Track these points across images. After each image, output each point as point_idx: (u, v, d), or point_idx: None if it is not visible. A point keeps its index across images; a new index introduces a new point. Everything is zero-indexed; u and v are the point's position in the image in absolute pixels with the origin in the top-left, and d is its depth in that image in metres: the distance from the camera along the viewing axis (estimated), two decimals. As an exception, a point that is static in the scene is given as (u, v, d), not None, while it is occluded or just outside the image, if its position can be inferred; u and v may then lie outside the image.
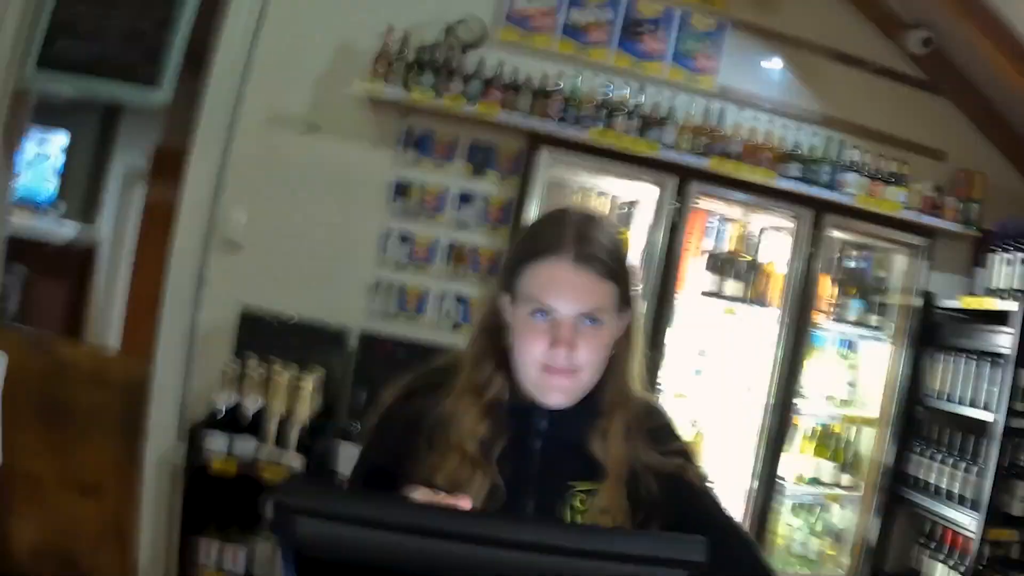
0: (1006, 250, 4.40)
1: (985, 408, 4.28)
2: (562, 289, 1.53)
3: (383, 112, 4.07)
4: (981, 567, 4.23)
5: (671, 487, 1.63)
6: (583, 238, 1.56)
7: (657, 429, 1.69)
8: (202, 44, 4.01)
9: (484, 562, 1.07)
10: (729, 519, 1.72)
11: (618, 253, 1.61)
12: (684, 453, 1.69)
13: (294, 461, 3.47)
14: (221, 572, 3.48)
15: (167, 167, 4.25)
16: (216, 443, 3.43)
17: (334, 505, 1.07)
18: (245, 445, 3.46)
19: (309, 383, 3.58)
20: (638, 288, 1.69)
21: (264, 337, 3.88)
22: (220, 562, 3.48)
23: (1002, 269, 4.40)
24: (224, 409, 3.49)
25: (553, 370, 1.55)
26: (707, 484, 1.70)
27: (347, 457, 3.49)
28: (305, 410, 3.54)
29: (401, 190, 4.13)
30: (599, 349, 1.57)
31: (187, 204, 3.97)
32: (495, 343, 1.66)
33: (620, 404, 1.65)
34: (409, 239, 4.14)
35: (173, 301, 3.95)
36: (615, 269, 1.58)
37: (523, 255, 1.59)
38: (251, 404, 3.52)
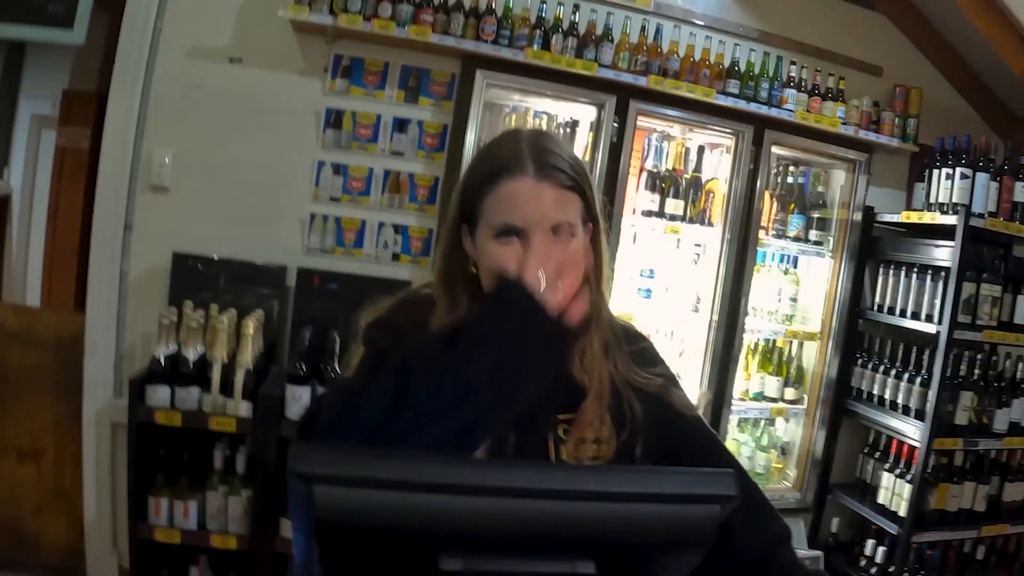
0: (946, 165, 4.42)
1: (928, 320, 4.37)
2: (527, 204, 1.48)
3: (310, 39, 3.90)
4: (927, 474, 4.35)
5: (655, 408, 1.62)
6: (540, 152, 1.52)
7: (639, 352, 1.68)
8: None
9: (513, 514, 1.04)
10: (717, 444, 1.73)
11: (578, 165, 1.56)
12: (667, 376, 1.68)
13: (241, 408, 3.38)
14: (173, 528, 3.39)
15: (78, 110, 4.05)
16: (158, 396, 3.32)
17: (356, 468, 1.02)
18: (189, 395, 3.35)
19: (250, 326, 3.46)
20: (599, 200, 1.62)
21: (198, 281, 3.76)
22: (172, 518, 3.39)
23: (942, 183, 4.43)
24: (163, 359, 3.37)
25: None
26: (694, 410, 1.69)
27: (295, 399, 3.40)
28: (248, 354, 3.44)
29: (332, 120, 3.98)
30: (574, 259, 1.51)
31: (108, 147, 3.77)
32: (464, 278, 1.61)
33: (595, 320, 1.61)
34: (343, 170, 4.01)
35: (100, 250, 3.77)
36: (577, 180, 1.54)
37: (480, 179, 1.54)
38: (191, 352, 3.40)
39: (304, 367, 3.49)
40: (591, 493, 1.08)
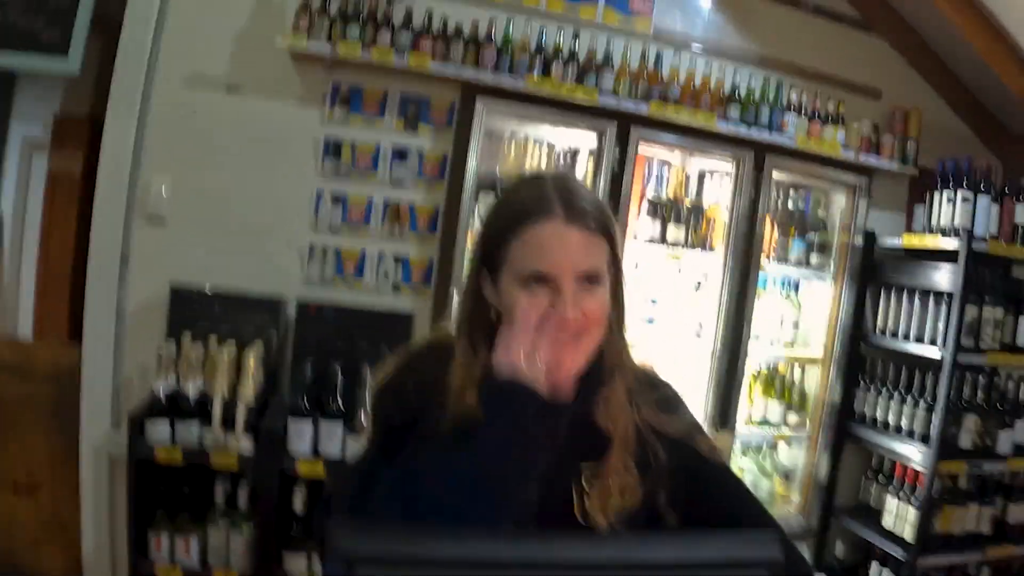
0: (947, 188, 4.42)
1: (931, 343, 4.35)
2: (557, 250, 1.45)
3: (308, 68, 3.86)
4: (933, 498, 4.32)
5: (681, 457, 1.58)
6: (568, 195, 1.48)
7: (664, 400, 1.64)
8: (109, 5, 3.73)
9: None
10: (747, 495, 1.68)
11: (604, 208, 1.53)
12: (692, 423, 1.65)
13: (243, 443, 3.33)
14: (175, 564, 3.33)
15: (70, 134, 4.01)
16: (158, 431, 3.27)
17: (402, 546, 0.97)
18: (189, 431, 3.30)
19: (251, 359, 3.43)
20: (622, 244, 1.59)
21: (196, 313, 3.71)
22: (173, 554, 3.33)
23: (943, 207, 4.43)
24: (163, 394, 3.32)
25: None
26: (719, 455, 1.65)
27: (297, 434, 3.36)
28: (249, 388, 3.39)
29: (331, 149, 3.95)
30: (601, 310, 1.49)
31: (104, 177, 3.71)
32: (484, 328, 1.56)
33: (619, 367, 1.58)
34: (342, 200, 3.97)
35: (96, 281, 3.71)
36: (605, 224, 1.50)
37: (506, 223, 1.49)
38: (191, 386, 3.34)
39: (306, 401, 3.44)
40: (639, 563, 1.05)
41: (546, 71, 4.00)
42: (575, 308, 1.44)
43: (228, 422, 3.34)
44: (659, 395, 1.65)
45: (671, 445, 1.58)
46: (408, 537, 1.00)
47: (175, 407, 3.32)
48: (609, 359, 1.57)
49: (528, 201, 1.49)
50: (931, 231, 4.50)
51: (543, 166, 4.24)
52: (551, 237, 1.45)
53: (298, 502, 3.43)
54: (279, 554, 3.39)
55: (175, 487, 3.48)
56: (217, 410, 3.33)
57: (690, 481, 1.58)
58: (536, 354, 1.43)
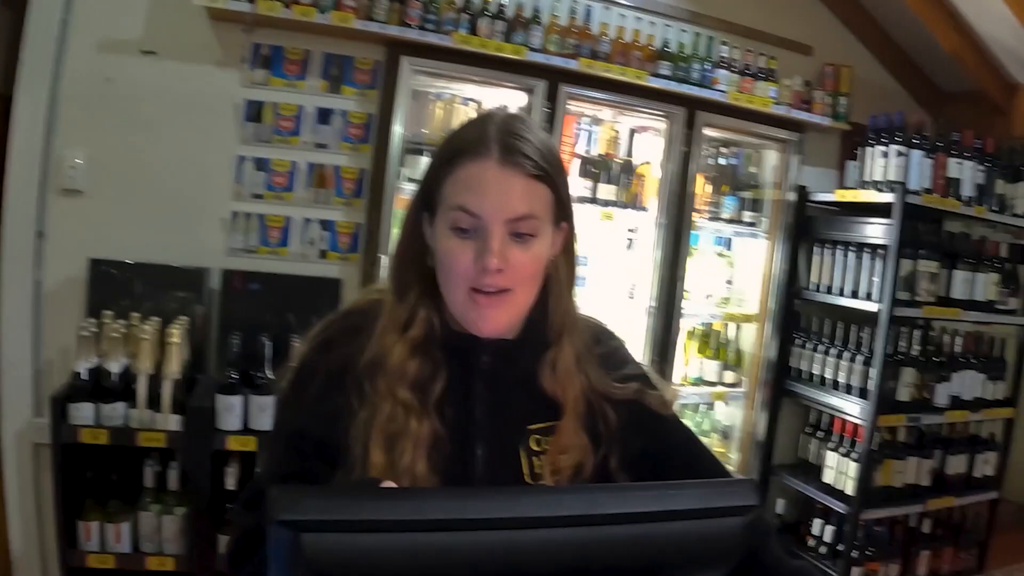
0: (880, 143, 4.44)
1: (867, 298, 4.38)
2: (486, 192, 1.36)
3: (227, 28, 3.68)
4: (872, 451, 4.39)
5: (631, 416, 1.53)
6: (509, 136, 1.38)
7: (608, 354, 1.58)
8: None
9: (527, 546, 0.97)
10: (699, 447, 1.64)
11: (551, 153, 1.43)
12: (641, 376, 1.58)
13: (171, 421, 3.21)
14: (106, 553, 3.21)
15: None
16: (82, 413, 3.12)
17: (350, 511, 0.93)
18: (114, 411, 3.15)
19: (175, 334, 3.29)
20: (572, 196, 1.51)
21: (118, 289, 3.54)
22: (104, 542, 3.20)
23: (876, 161, 4.45)
24: (85, 374, 3.18)
25: (481, 294, 1.38)
26: (669, 408, 1.60)
27: (227, 409, 3.25)
28: (174, 364, 3.26)
29: (252, 113, 3.79)
30: (533, 265, 1.41)
31: (16, 150, 3.51)
32: (418, 270, 1.48)
33: (567, 330, 1.51)
34: (265, 165, 3.83)
35: (11, 259, 3.52)
36: (548, 170, 1.40)
37: (441, 161, 1.41)
38: (114, 365, 3.20)
39: (234, 375, 3.33)
40: (608, 516, 1.01)
41: (473, 28, 3.88)
42: (500, 258, 1.35)
43: (154, 400, 3.21)
44: (605, 350, 1.58)
45: (621, 406, 1.53)
46: (353, 500, 0.97)
47: (99, 388, 3.17)
48: (556, 320, 1.51)
49: (466, 139, 1.40)
50: (864, 186, 4.53)
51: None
52: (481, 177, 1.36)
53: (231, 480, 3.32)
54: (214, 537, 3.29)
55: (103, 473, 3.34)
56: (142, 388, 3.20)
57: (640, 439, 1.53)
58: (466, 303, 1.39)
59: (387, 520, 0.92)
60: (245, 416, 3.30)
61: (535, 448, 1.48)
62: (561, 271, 1.50)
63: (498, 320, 1.42)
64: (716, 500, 1.09)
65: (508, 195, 1.37)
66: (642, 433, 1.54)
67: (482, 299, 1.39)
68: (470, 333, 1.46)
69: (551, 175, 1.41)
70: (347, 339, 1.49)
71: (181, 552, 3.29)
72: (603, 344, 1.60)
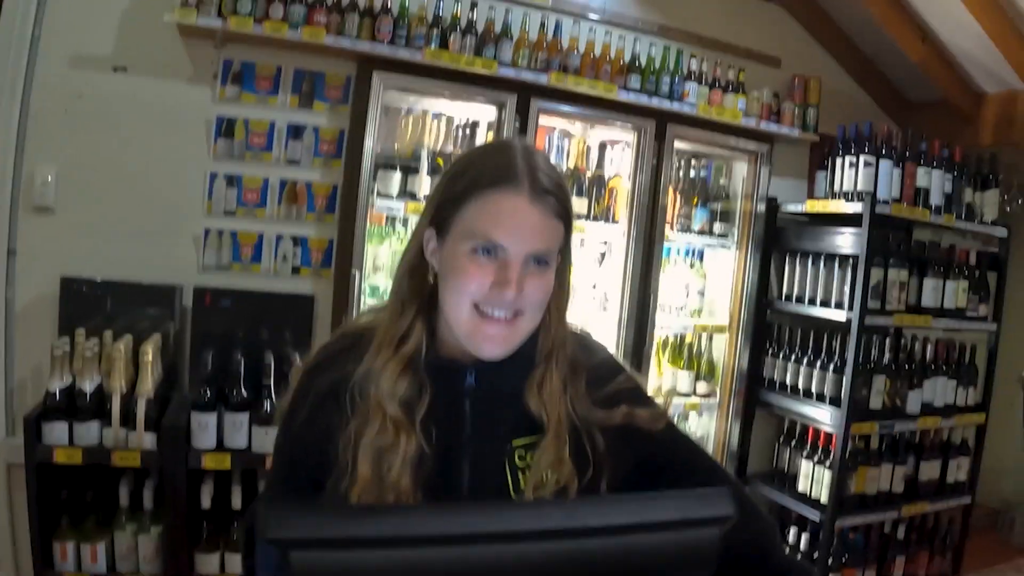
0: (849, 153, 4.52)
1: (837, 307, 4.45)
2: (517, 226, 1.41)
3: (198, 44, 3.70)
4: (846, 459, 4.45)
5: (620, 437, 1.54)
6: (536, 171, 1.44)
7: (595, 368, 1.60)
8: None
9: (508, 561, 0.98)
10: (694, 457, 1.66)
11: (566, 190, 1.49)
12: (629, 393, 1.60)
13: (145, 440, 3.21)
14: (82, 573, 3.19)
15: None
16: (56, 433, 3.11)
17: (338, 527, 0.95)
18: (88, 431, 3.14)
19: (148, 352, 3.30)
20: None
21: (90, 307, 3.54)
22: (79, 563, 3.19)
23: (845, 172, 4.53)
24: (58, 394, 3.16)
25: (491, 318, 1.42)
26: (662, 422, 1.60)
27: (201, 427, 3.25)
28: (148, 383, 3.26)
29: (224, 129, 3.81)
30: (543, 293, 1.46)
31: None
32: (419, 286, 1.53)
33: (556, 351, 1.54)
34: (237, 182, 3.84)
35: (-18, 278, 3.53)
36: (566, 207, 1.47)
37: (468, 185, 1.44)
38: (87, 384, 3.19)
39: (208, 392, 3.33)
40: (586, 529, 1.02)
41: (444, 43, 3.92)
42: (519, 287, 1.40)
43: (128, 419, 3.20)
44: (590, 364, 1.60)
45: (609, 431, 1.55)
46: (341, 517, 0.98)
47: (72, 407, 3.16)
48: (545, 343, 1.54)
49: (496, 168, 1.45)
50: (834, 196, 4.60)
51: (442, 141, 4.17)
52: (513, 210, 1.41)
53: (206, 498, 3.31)
54: (191, 555, 3.28)
55: (78, 492, 3.33)
56: (116, 407, 3.19)
57: (631, 460, 1.55)
58: (473, 325, 1.43)
59: (374, 537, 0.93)
60: (220, 433, 3.30)
61: (519, 463, 1.51)
62: (556, 295, 1.53)
63: (502, 344, 1.46)
64: (692, 511, 1.09)
65: (535, 232, 1.42)
66: (633, 453, 1.56)
67: (490, 323, 1.43)
68: (453, 357, 1.51)
69: (567, 212, 1.48)
70: (338, 361, 1.53)
71: (157, 572, 3.27)
72: (590, 358, 1.62)
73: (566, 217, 1.48)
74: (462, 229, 1.43)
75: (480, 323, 1.43)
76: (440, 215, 1.48)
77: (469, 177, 1.46)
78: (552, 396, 1.52)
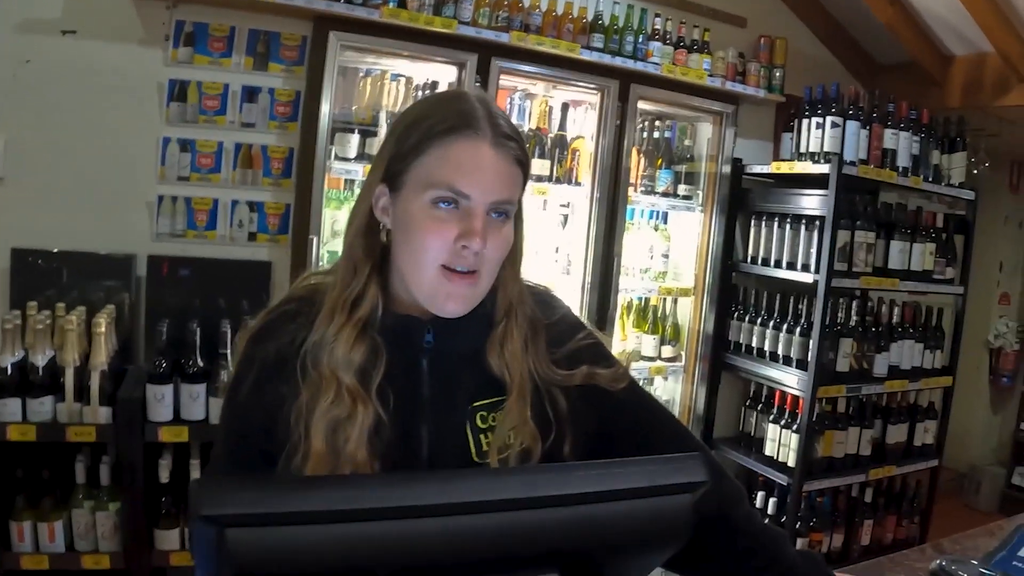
0: (816, 114, 4.57)
1: (804, 269, 4.52)
2: (481, 173, 1.40)
3: (149, 5, 3.67)
4: (813, 423, 4.53)
5: (582, 398, 1.57)
6: (494, 117, 1.44)
7: (554, 324, 1.62)
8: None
9: (466, 532, 0.97)
10: (658, 419, 1.70)
11: (522, 138, 1.49)
12: (589, 350, 1.62)
13: (100, 414, 3.21)
14: (40, 553, 3.19)
15: None
16: (8, 410, 3.09)
17: (277, 502, 0.90)
18: (42, 406, 3.14)
19: (102, 324, 3.29)
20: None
21: (42, 279, 3.54)
22: (37, 542, 3.19)
23: (812, 133, 4.58)
24: (9, 368, 3.16)
25: (455, 273, 1.41)
26: (623, 382, 1.63)
27: (157, 400, 3.25)
28: (102, 355, 3.25)
29: (176, 92, 3.78)
30: (505, 246, 1.46)
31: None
32: (371, 246, 1.51)
33: (516, 307, 1.55)
34: (190, 146, 3.82)
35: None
36: (525, 154, 1.47)
37: (425, 134, 1.42)
38: (40, 358, 3.19)
39: (164, 364, 3.34)
40: (549, 498, 1.01)
41: (402, 2, 3.90)
42: (483, 239, 1.40)
43: (83, 394, 3.21)
44: (549, 319, 1.61)
45: (571, 390, 1.57)
46: (280, 492, 0.94)
47: (25, 382, 3.15)
48: (503, 301, 1.55)
49: (454, 114, 1.43)
50: (800, 158, 4.66)
51: (401, 102, 4.16)
52: (475, 156, 1.40)
53: (164, 472, 3.33)
54: (150, 532, 3.30)
55: (34, 470, 3.31)
56: (70, 381, 3.19)
57: (595, 422, 1.58)
58: (437, 283, 1.43)
59: (316, 511, 0.90)
60: (176, 406, 3.31)
61: (481, 425, 1.52)
62: (512, 250, 1.53)
63: (466, 299, 1.45)
64: (663, 477, 1.09)
65: (498, 179, 1.42)
66: (595, 414, 1.58)
67: (455, 278, 1.42)
68: (410, 315, 1.51)
69: (527, 161, 1.49)
70: (283, 327, 1.52)
71: (117, 549, 3.28)
72: (549, 313, 1.63)
73: (525, 165, 1.48)
74: (419, 181, 1.42)
75: (444, 281, 1.42)
76: (392, 169, 1.47)
77: (425, 126, 1.44)
78: (514, 355, 1.53)
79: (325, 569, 0.91)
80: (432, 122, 1.44)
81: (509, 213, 1.46)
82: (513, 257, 1.54)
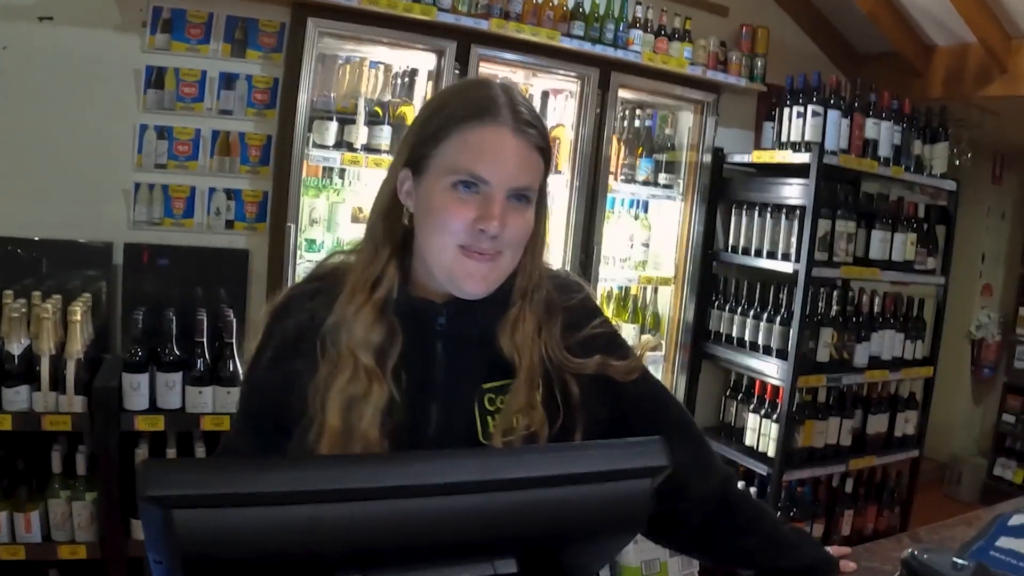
0: (797, 103, 4.61)
1: (784, 259, 4.56)
2: (500, 158, 1.44)
3: (124, -10, 3.69)
4: (793, 412, 4.58)
5: (595, 387, 1.60)
6: (516, 104, 1.48)
7: (571, 310, 1.64)
8: None
9: (416, 516, 0.97)
10: (660, 402, 1.75)
11: (544, 125, 1.53)
12: (603, 339, 1.65)
13: (76, 403, 3.23)
14: (17, 544, 3.20)
15: None
16: (-19, 398, 3.14)
17: (222, 483, 0.91)
18: (17, 395, 3.16)
19: (77, 312, 3.30)
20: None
21: (17, 268, 3.55)
22: (13, 533, 3.20)
23: (793, 122, 4.62)
24: (-17, 357, 3.20)
25: (473, 253, 1.45)
26: (634, 375, 1.65)
27: (133, 389, 3.28)
28: (77, 344, 3.26)
29: (153, 79, 3.80)
30: (524, 231, 1.50)
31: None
32: (393, 228, 1.56)
33: (532, 291, 1.58)
34: (167, 133, 3.84)
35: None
36: (547, 142, 1.52)
37: (447, 120, 1.47)
38: (15, 347, 3.20)
39: (140, 352, 3.34)
40: (504, 481, 1.03)
41: (382, -13, 3.93)
42: (501, 223, 1.44)
43: (59, 383, 3.22)
44: (567, 303, 1.64)
45: (584, 378, 1.59)
46: (229, 473, 0.95)
47: (0, 371, 3.17)
48: (520, 283, 1.58)
49: (476, 101, 1.48)
50: (781, 147, 4.70)
51: (379, 90, 4.19)
52: (495, 142, 1.45)
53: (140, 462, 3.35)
54: (127, 521, 3.32)
55: (9, 460, 3.33)
56: (45, 370, 3.21)
57: (607, 410, 1.60)
58: (456, 263, 1.46)
59: (264, 492, 0.91)
60: (152, 395, 3.33)
61: (488, 407, 1.55)
62: (533, 235, 1.55)
63: (486, 279, 1.49)
64: (622, 461, 1.10)
65: (517, 164, 1.46)
66: (607, 402, 1.61)
67: (474, 258, 1.46)
68: (426, 298, 1.55)
69: (548, 149, 1.53)
70: (303, 304, 1.58)
71: (94, 539, 3.30)
72: (566, 297, 1.65)
73: (546, 152, 1.52)
74: (441, 166, 1.47)
75: (463, 260, 1.46)
76: (416, 154, 1.51)
77: (447, 112, 1.49)
78: (525, 338, 1.56)
79: (274, 552, 0.92)
80: (454, 108, 1.49)
81: (529, 198, 1.50)
82: (534, 242, 1.57)
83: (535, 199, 1.52)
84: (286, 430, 1.51)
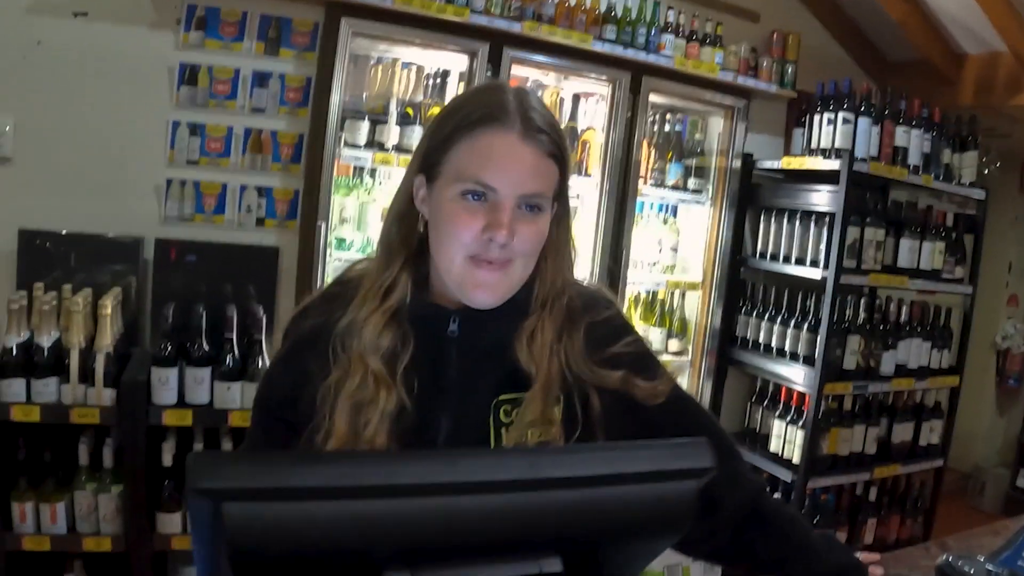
0: (828, 110, 4.55)
1: (812, 265, 4.50)
2: (507, 165, 1.40)
3: (160, -13, 3.67)
4: (819, 420, 4.52)
5: (619, 403, 1.55)
6: (527, 109, 1.43)
7: (597, 325, 1.58)
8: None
9: (464, 513, 0.95)
10: (694, 420, 1.70)
11: (560, 132, 1.48)
12: (632, 358, 1.59)
13: (104, 396, 3.20)
14: (42, 534, 3.18)
15: None
16: (12, 389, 3.09)
17: (274, 477, 0.88)
18: (46, 387, 3.13)
19: (108, 306, 3.28)
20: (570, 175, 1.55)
21: (49, 261, 3.52)
22: (39, 523, 3.19)
23: (823, 129, 4.56)
24: (15, 349, 3.15)
25: (483, 263, 1.41)
26: (661, 397, 1.59)
27: (162, 383, 3.25)
28: (107, 337, 3.24)
29: (187, 76, 3.77)
30: (536, 239, 1.45)
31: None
32: (407, 235, 1.53)
33: (552, 300, 1.53)
34: (200, 130, 3.82)
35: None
36: (560, 147, 1.46)
37: (457, 126, 1.43)
38: (45, 339, 3.18)
39: (169, 347, 3.32)
40: (552, 480, 0.99)
41: (415, -11, 3.90)
42: (510, 232, 1.39)
43: (87, 375, 3.20)
44: (593, 319, 1.58)
45: (606, 393, 1.54)
46: (279, 466, 0.92)
47: (30, 363, 3.14)
48: (540, 292, 1.53)
49: (485, 106, 1.43)
50: (811, 153, 4.64)
51: (411, 91, 4.17)
52: (503, 149, 1.40)
53: (167, 456, 3.32)
54: (152, 515, 3.30)
55: (36, 451, 3.31)
56: (75, 363, 3.18)
57: (629, 428, 1.53)
58: (465, 272, 1.43)
59: (315, 487, 0.89)
60: (181, 389, 3.30)
61: (504, 419, 1.51)
62: (552, 244, 1.52)
63: (495, 290, 1.45)
64: (667, 463, 1.07)
65: (525, 171, 1.41)
66: (631, 420, 1.55)
67: (483, 267, 1.42)
68: (438, 304, 1.51)
69: (562, 154, 1.47)
70: (322, 307, 1.56)
71: (119, 531, 3.27)
72: (593, 313, 1.59)
73: (561, 158, 1.47)
74: (451, 173, 1.43)
75: (473, 270, 1.42)
76: (429, 160, 1.48)
77: (457, 118, 1.45)
78: (542, 348, 1.51)
79: (323, 547, 0.90)
80: (464, 113, 1.45)
81: (542, 206, 1.45)
82: (556, 251, 1.54)
83: (548, 207, 1.47)
84: (295, 428, 1.49)
